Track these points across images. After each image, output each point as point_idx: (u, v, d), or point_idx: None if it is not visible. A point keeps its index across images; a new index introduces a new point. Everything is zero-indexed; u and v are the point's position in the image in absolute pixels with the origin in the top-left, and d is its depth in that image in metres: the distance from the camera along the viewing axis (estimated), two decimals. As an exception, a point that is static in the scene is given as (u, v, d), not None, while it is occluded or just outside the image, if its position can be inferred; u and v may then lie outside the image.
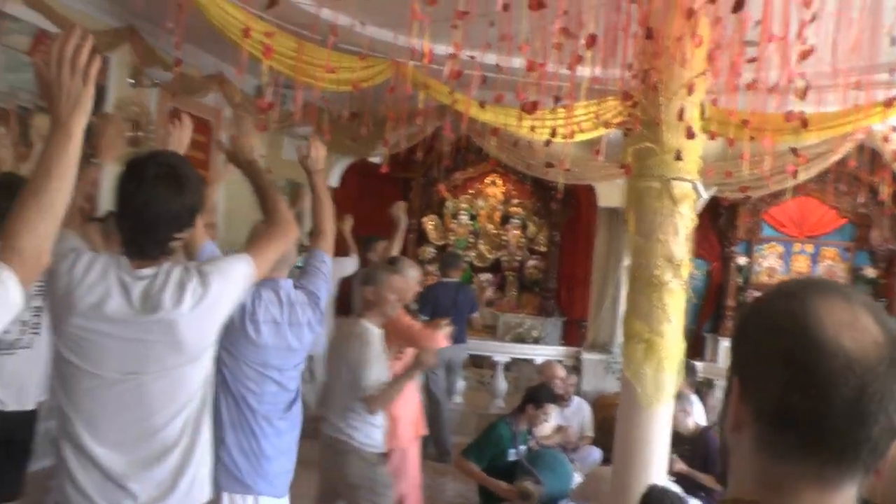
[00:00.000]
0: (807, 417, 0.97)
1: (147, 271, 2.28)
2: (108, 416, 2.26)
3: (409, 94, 6.06)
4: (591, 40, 3.74)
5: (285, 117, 7.86)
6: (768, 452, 1.01)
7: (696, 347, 10.50)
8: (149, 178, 2.22)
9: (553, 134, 4.88)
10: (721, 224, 10.34)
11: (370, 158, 9.26)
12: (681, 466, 5.87)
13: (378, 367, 4.06)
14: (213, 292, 2.30)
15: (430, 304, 7.67)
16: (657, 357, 4.05)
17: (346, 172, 10.02)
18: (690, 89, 3.51)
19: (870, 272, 10.46)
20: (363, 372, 3.98)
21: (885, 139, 6.66)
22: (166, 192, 2.22)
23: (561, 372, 6.91)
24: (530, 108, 4.39)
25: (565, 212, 11.22)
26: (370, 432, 4.10)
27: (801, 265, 10.75)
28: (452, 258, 8.54)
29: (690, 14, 3.53)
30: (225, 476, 3.00)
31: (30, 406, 3.71)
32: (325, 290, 3.13)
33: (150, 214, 2.23)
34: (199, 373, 2.37)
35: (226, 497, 3.05)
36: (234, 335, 2.87)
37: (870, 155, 7.58)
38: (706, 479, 5.86)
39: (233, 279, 2.38)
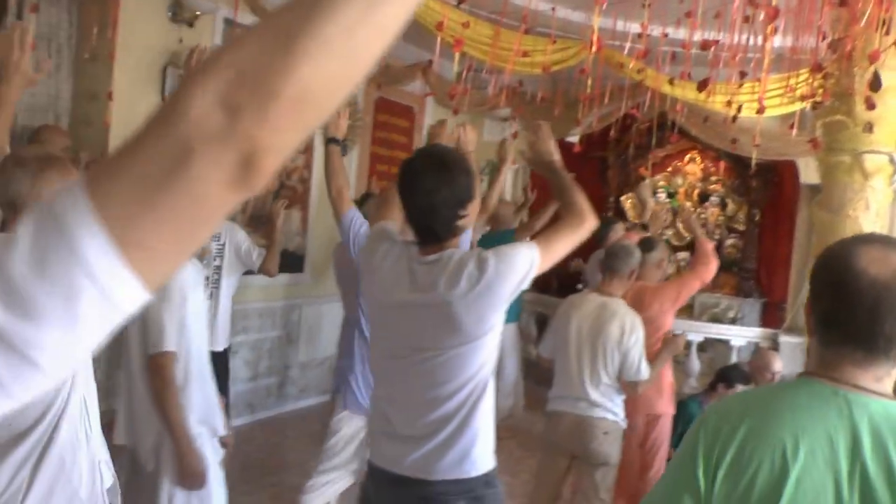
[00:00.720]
0: (843, 320, 1.52)
1: (431, 257, 2.47)
2: (398, 384, 2.58)
3: (600, 75, 6.12)
4: (774, 13, 3.68)
5: (481, 101, 8.14)
6: (823, 344, 1.58)
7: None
8: (419, 171, 2.46)
9: (739, 109, 4.79)
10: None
11: (566, 138, 9.38)
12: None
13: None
14: (489, 276, 2.37)
15: None
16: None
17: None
18: (874, 57, 3.38)
19: None
20: (639, 359, 4.05)
21: None
22: (435, 178, 2.43)
23: (778, 365, 6.31)
24: (702, 85, 4.37)
25: (766, 189, 10.82)
26: (622, 410, 4.19)
27: None
28: (648, 243, 8.50)
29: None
30: (350, 398, 3.97)
31: (219, 348, 4.51)
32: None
33: (427, 202, 2.44)
34: (480, 354, 2.47)
35: (346, 414, 3.99)
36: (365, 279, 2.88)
37: None
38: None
39: (514, 266, 2.42)
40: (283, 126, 0.65)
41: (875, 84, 3.28)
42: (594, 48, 5.49)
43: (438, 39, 5.39)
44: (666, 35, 5.72)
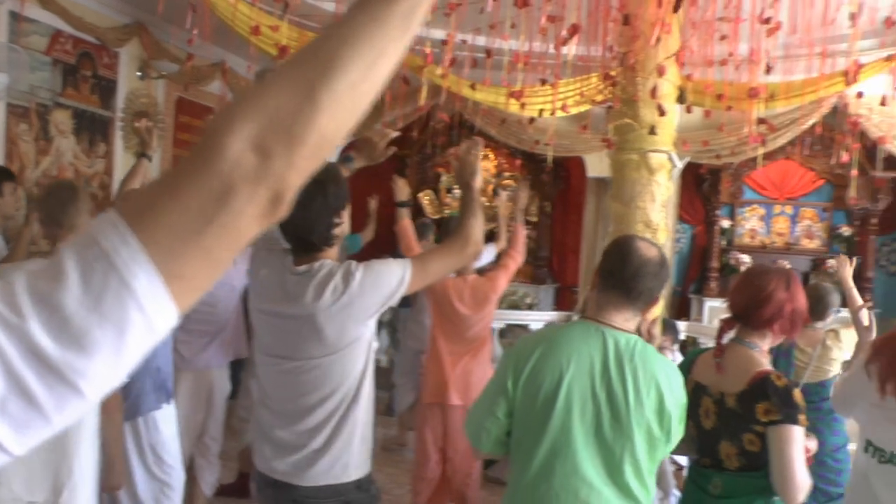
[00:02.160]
0: (617, 273, 2.35)
1: (302, 268, 2.52)
2: (272, 390, 2.69)
3: (406, 77, 6.43)
4: (573, 30, 4.13)
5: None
6: (599, 292, 2.40)
7: (682, 308, 10.98)
8: None
9: (540, 113, 5.26)
10: (705, 189, 10.77)
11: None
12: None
13: None
14: (353, 290, 2.44)
15: None
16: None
17: (344, 150, 10.41)
18: (661, 71, 3.92)
19: (846, 230, 10.94)
20: None
21: (846, 105, 7.04)
22: (307, 190, 2.53)
23: None
24: (517, 95, 4.79)
25: (556, 183, 11.66)
26: None
27: (781, 226, 11.21)
28: (422, 227, 8.92)
29: (661, 3, 3.93)
30: None
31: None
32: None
33: (302, 214, 2.45)
34: (344, 365, 2.55)
35: None
36: None
37: (842, 118, 8.01)
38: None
39: (380, 281, 2.48)
40: (305, 167, 0.78)
41: (661, 111, 3.84)
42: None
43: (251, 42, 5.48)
44: (465, 42, 6.09)
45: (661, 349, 6.74)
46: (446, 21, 5.24)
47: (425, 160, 11.84)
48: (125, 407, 3.51)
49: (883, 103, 5.70)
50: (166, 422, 3.84)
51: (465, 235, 2.66)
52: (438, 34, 6.08)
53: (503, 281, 4.90)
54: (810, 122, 8.02)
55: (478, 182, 2.84)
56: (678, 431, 2.33)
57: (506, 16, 4.86)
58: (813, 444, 2.69)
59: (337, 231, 2.58)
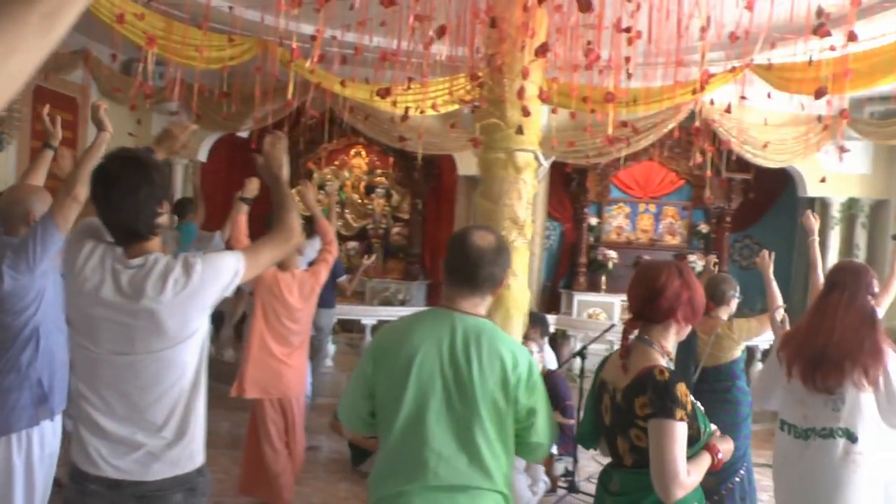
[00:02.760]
0: (460, 268, 2.55)
1: (136, 261, 2.51)
2: (108, 387, 2.57)
3: (276, 72, 6.35)
4: (441, 31, 4.19)
5: (157, 93, 7.99)
6: (447, 286, 2.60)
7: (552, 302, 11.28)
8: (117, 173, 2.48)
9: (406, 111, 5.30)
10: (573, 188, 11.10)
11: (238, 133, 9.50)
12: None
13: None
14: (195, 282, 2.48)
15: None
16: (505, 307, 4.60)
17: (215, 147, 10.20)
18: (525, 73, 4.03)
19: (704, 227, 11.53)
20: None
21: (728, 110, 7.40)
22: (135, 178, 2.46)
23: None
24: (384, 93, 4.82)
25: (427, 181, 11.74)
26: None
27: (646, 223, 11.69)
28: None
29: (527, 8, 4.04)
30: None
31: None
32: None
33: (130, 201, 2.46)
34: (184, 355, 2.57)
35: None
36: None
37: (700, 122, 8.43)
38: (555, 416, 6.50)
39: (220, 273, 2.55)
40: None
41: (525, 112, 3.96)
42: (315, 59, 5.68)
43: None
44: (335, 38, 6.07)
45: (528, 341, 6.95)
46: (316, 17, 5.20)
47: (298, 156, 11.70)
48: None
49: (728, 110, 6.02)
50: (46, 440, 3.59)
51: (286, 228, 2.75)
52: (308, 29, 6.05)
53: (324, 275, 5.15)
54: (670, 126, 8.41)
55: (285, 175, 2.86)
56: (532, 407, 2.54)
57: (374, 13, 4.87)
58: (728, 447, 2.70)
59: (160, 220, 2.57)
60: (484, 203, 4.72)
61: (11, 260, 3.28)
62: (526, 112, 4.21)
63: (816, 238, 4.86)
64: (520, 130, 4.36)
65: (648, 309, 2.69)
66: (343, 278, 8.27)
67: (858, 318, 3.25)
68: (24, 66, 0.84)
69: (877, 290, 3.42)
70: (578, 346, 8.82)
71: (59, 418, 3.66)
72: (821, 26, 3.72)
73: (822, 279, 4.31)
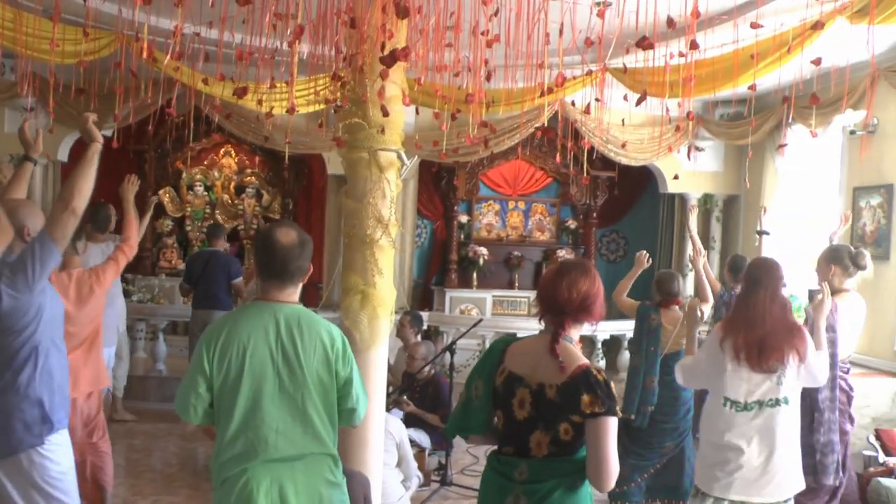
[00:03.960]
0: (269, 266, 2.92)
1: None
2: None
3: (135, 68, 6.17)
4: (299, 30, 4.19)
5: (9, 88, 7.62)
6: (262, 280, 2.96)
7: (424, 299, 11.40)
8: None
9: (271, 109, 5.25)
10: (443, 186, 11.25)
11: (102, 132, 9.12)
12: (412, 408, 6.60)
13: None
14: None
15: (188, 272, 8.21)
16: (371, 306, 4.61)
17: (76, 147, 9.78)
18: (384, 75, 4.08)
19: (572, 223, 11.90)
20: None
21: (587, 111, 7.63)
22: None
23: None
24: (241, 92, 4.78)
25: (298, 180, 11.67)
26: None
27: (515, 220, 11.97)
28: (213, 228, 8.74)
29: (385, 9, 4.08)
30: None
31: None
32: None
33: None
34: None
35: None
36: None
37: (564, 122, 8.71)
38: (432, 419, 6.61)
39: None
40: None
41: (384, 112, 4.03)
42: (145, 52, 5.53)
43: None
44: (198, 34, 5.95)
45: (412, 340, 6.98)
46: (180, 12, 5.09)
47: (165, 156, 11.40)
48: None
49: (587, 111, 6.24)
50: (54, 455, 3.49)
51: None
52: (167, 24, 5.90)
53: (110, 274, 4.99)
54: (532, 128, 8.64)
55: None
56: (348, 377, 2.98)
57: (236, 9, 4.80)
58: None
59: None
60: (348, 202, 4.73)
61: (9, 278, 3.26)
62: (385, 112, 4.25)
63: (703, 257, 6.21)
64: (381, 130, 4.40)
65: (577, 309, 2.87)
66: (238, 280, 8.14)
67: (781, 308, 3.95)
68: None
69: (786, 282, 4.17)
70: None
71: (65, 432, 3.60)
72: (643, 39, 3.98)
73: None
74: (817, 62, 4.60)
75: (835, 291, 4.98)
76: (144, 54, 5.57)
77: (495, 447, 3.00)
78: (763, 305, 3.94)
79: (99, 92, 7.39)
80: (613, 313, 10.73)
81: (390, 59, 3.78)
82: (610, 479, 2.70)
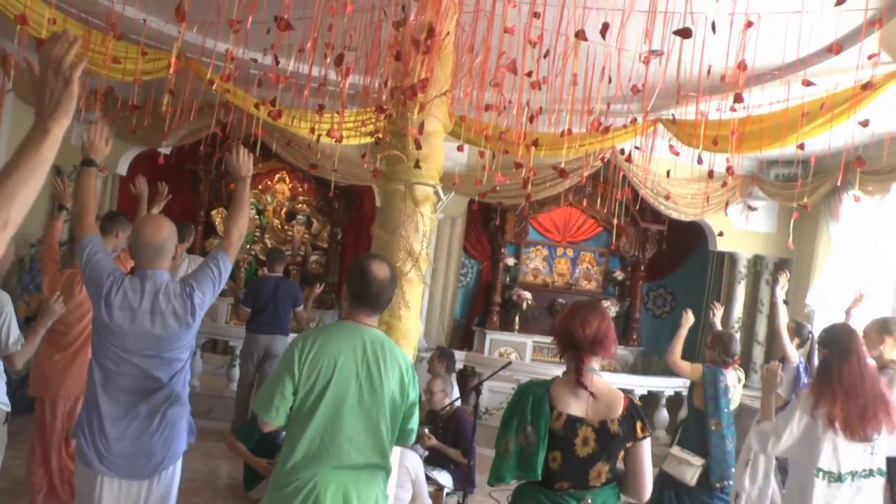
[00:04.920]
0: (363, 295, 3.22)
1: None
2: None
3: (189, 89, 6.32)
4: (339, 59, 4.25)
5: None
6: (352, 306, 3.26)
7: (465, 338, 11.34)
8: None
9: (318, 137, 5.30)
10: (492, 228, 11.22)
11: (160, 149, 9.37)
12: (433, 442, 6.53)
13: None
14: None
15: (252, 296, 8.16)
16: (395, 338, 4.58)
17: (135, 161, 10.04)
18: (421, 108, 4.11)
19: (619, 275, 11.76)
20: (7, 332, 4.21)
21: (628, 159, 7.56)
22: None
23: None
24: (276, 115, 4.85)
25: (348, 211, 11.77)
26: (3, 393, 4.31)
27: (562, 267, 11.87)
28: (276, 253, 8.88)
29: (419, 47, 4.12)
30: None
31: None
32: (210, 286, 3.58)
33: None
34: None
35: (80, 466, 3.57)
36: (95, 316, 3.46)
37: (614, 171, 8.66)
38: (454, 454, 6.53)
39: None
40: None
41: (417, 145, 4.06)
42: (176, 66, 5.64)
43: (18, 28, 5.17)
44: (256, 61, 6.08)
45: (434, 377, 6.95)
46: (235, 37, 5.21)
47: (219, 178, 11.61)
48: None
49: (628, 159, 6.20)
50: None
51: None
52: (223, 48, 6.04)
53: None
54: (587, 172, 8.60)
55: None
56: (414, 400, 3.29)
57: (292, 38, 4.90)
58: None
59: None
60: (381, 233, 4.75)
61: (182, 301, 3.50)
62: (418, 145, 4.28)
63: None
64: (418, 164, 4.42)
65: (599, 344, 3.17)
66: (300, 308, 8.24)
67: (872, 376, 4.01)
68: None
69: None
70: (485, 384, 8.89)
71: None
72: (684, 30, 3.89)
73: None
74: (865, 124, 4.51)
75: (884, 364, 4.91)
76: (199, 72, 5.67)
77: (527, 483, 3.19)
78: (858, 372, 3.96)
79: (155, 110, 7.59)
80: (655, 369, 10.53)
81: (410, 92, 3.81)
82: (649, 492, 3.15)
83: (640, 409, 3.17)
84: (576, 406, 3.11)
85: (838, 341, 4.09)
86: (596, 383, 3.14)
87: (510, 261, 11.58)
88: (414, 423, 3.33)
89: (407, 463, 5.39)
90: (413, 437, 3.38)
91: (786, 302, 6.47)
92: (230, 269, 3.71)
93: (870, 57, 4.46)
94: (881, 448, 3.94)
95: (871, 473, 3.95)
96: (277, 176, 12.00)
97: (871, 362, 4.38)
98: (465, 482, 6.53)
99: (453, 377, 7.66)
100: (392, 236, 4.68)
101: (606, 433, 3.07)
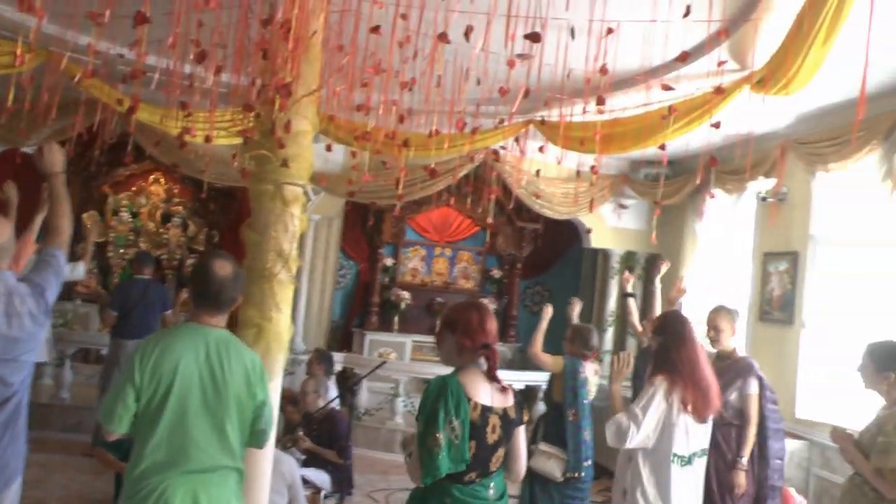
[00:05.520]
0: (204, 294, 3.17)
1: None
2: None
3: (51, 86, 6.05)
4: (201, 56, 4.18)
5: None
6: (195, 307, 3.21)
7: (345, 340, 11.31)
8: None
9: (181, 134, 5.16)
10: (368, 228, 11.23)
11: (23, 148, 8.93)
12: (308, 444, 6.50)
13: None
14: None
15: (119, 300, 7.90)
16: (266, 341, 4.54)
17: (-3, 161, 9.53)
18: (282, 107, 4.09)
19: (496, 273, 11.99)
20: None
21: (500, 160, 7.68)
22: None
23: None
24: (132, 109, 4.75)
25: (225, 212, 11.55)
26: None
27: (441, 266, 11.99)
28: (143, 255, 8.62)
29: (296, 45, 4.10)
30: None
31: None
32: (55, 283, 3.36)
33: None
34: None
35: None
36: None
37: (488, 171, 8.82)
38: (330, 455, 6.51)
39: None
40: None
41: (280, 144, 4.04)
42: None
43: None
44: (122, 56, 5.88)
45: (310, 377, 6.90)
46: (97, 31, 5.03)
47: (90, 179, 11.19)
48: None
49: (500, 160, 6.34)
50: None
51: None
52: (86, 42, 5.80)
53: None
54: (462, 172, 8.71)
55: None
56: (263, 399, 3.27)
57: (161, 34, 4.77)
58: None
59: None
60: (251, 234, 4.71)
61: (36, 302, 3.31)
62: (281, 144, 4.26)
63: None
64: (286, 164, 4.39)
65: (495, 339, 3.33)
66: (169, 312, 8.01)
67: (706, 360, 4.18)
68: None
69: None
70: (363, 384, 8.90)
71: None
72: (533, 34, 4.01)
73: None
74: (716, 126, 4.75)
75: (727, 355, 5.31)
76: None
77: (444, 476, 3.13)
78: (695, 357, 4.09)
79: (21, 109, 7.23)
80: (532, 365, 10.77)
81: (286, 91, 3.80)
82: (524, 471, 3.43)
83: (519, 397, 3.38)
84: (485, 396, 3.21)
85: (672, 328, 4.19)
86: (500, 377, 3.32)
87: (388, 261, 11.64)
88: (265, 423, 3.31)
89: (282, 468, 5.34)
90: (265, 438, 3.37)
91: (632, 294, 6.70)
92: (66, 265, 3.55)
93: (719, 64, 4.69)
94: (709, 428, 4.16)
95: (704, 452, 4.15)
96: (152, 177, 11.66)
97: (710, 349, 4.70)
98: (342, 483, 6.53)
99: (332, 379, 7.64)
100: (261, 237, 4.64)
101: (508, 419, 3.23)
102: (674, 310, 5.46)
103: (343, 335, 11.46)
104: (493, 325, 3.32)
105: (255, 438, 3.31)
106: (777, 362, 7.55)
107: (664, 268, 6.69)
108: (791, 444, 6.98)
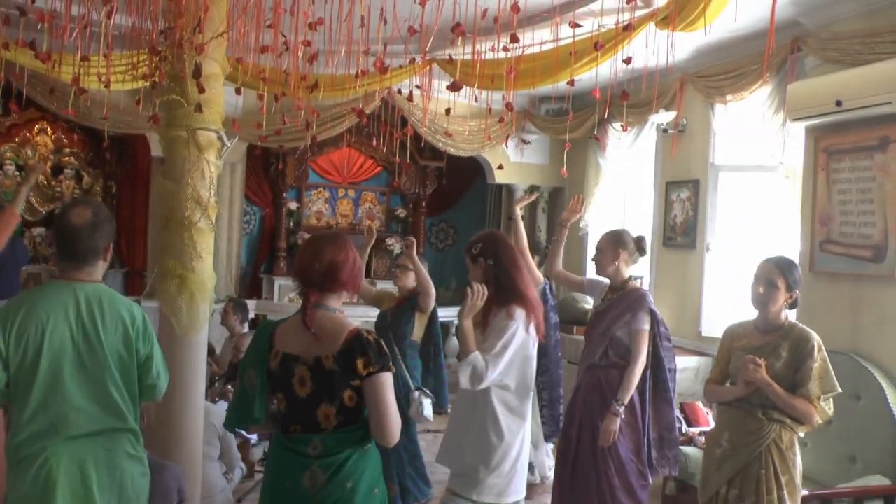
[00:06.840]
0: (65, 248, 2.97)
1: None
2: None
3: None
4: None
5: None
6: (60, 261, 3.01)
7: (253, 287, 11.19)
8: None
9: (76, 81, 4.90)
10: (272, 172, 11.05)
11: None
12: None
13: None
14: None
15: None
16: (189, 291, 4.48)
17: None
18: (199, 50, 3.97)
19: (401, 212, 12.03)
20: None
21: (409, 99, 7.66)
22: None
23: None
24: (44, 56, 4.54)
25: (121, 162, 11.13)
26: None
27: (345, 208, 11.94)
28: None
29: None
30: None
31: None
32: None
33: None
34: None
35: None
36: None
37: (392, 111, 8.77)
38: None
39: None
40: None
41: (196, 72, 3.89)
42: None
43: None
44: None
45: (232, 328, 6.84)
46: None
47: (-31, 131, 10.57)
48: None
49: (410, 99, 6.33)
50: None
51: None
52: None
53: None
54: (368, 111, 8.63)
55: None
56: (149, 353, 3.08)
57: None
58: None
59: None
60: (166, 183, 4.59)
61: None
62: (201, 89, 4.15)
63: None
64: (199, 108, 4.28)
65: (330, 280, 2.92)
66: (25, 267, 7.69)
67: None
68: None
69: None
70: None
71: None
72: (457, 26, 4.05)
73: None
74: (627, 61, 4.85)
75: (623, 284, 4.81)
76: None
77: (276, 430, 3.01)
78: (524, 278, 3.87)
79: None
80: (442, 300, 10.93)
81: (198, 31, 3.69)
82: (395, 433, 2.85)
83: (368, 344, 2.81)
84: (295, 344, 2.88)
85: (506, 252, 3.88)
86: (324, 321, 2.88)
87: (293, 205, 11.50)
88: (155, 377, 3.12)
89: (212, 419, 5.31)
90: (158, 392, 3.18)
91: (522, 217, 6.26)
92: None
93: (628, 2, 4.78)
94: None
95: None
96: (37, 127, 11.06)
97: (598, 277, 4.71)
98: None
99: (246, 327, 7.58)
100: (178, 185, 4.54)
101: (321, 371, 2.82)
102: (490, 230, 5.32)
103: (252, 282, 11.33)
104: (323, 262, 2.92)
105: (147, 393, 3.13)
106: (682, 284, 7.92)
107: (526, 200, 6.02)
108: (696, 361, 7.37)
